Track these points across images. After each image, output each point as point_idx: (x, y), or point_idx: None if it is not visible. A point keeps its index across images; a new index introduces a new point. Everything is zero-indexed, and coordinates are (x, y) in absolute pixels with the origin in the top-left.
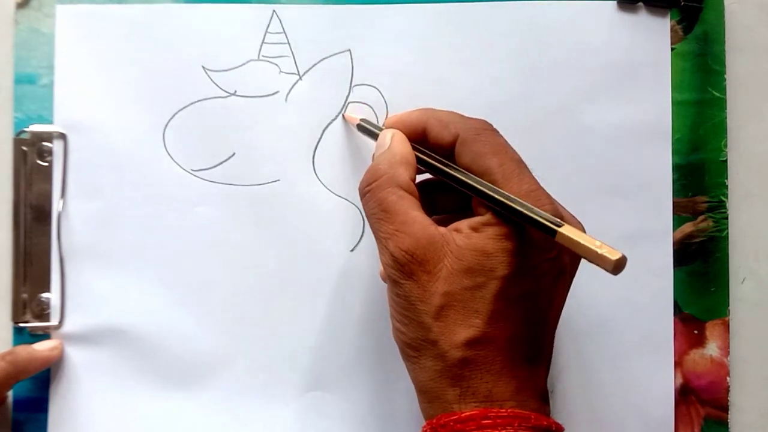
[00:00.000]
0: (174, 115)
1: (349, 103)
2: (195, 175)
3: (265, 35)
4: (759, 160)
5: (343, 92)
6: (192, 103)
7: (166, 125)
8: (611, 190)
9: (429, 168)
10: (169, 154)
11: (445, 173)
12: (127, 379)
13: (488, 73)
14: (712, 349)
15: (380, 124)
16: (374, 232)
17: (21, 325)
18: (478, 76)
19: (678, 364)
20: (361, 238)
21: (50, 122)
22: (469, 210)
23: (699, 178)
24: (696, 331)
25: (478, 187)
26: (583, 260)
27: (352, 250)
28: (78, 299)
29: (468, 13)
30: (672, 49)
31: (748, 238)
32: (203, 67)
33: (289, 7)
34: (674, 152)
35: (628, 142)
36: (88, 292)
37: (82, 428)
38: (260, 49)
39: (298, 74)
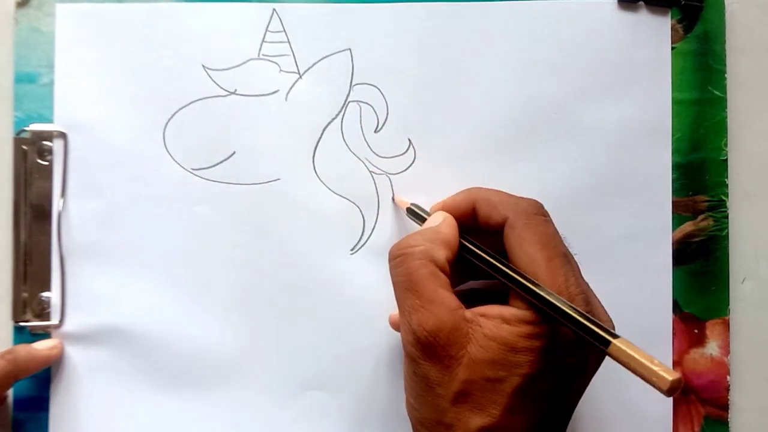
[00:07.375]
0: (174, 114)
1: (349, 102)
2: (195, 174)
3: (265, 34)
4: (759, 160)
5: (343, 91)
6: (192, 102)
7: (166, 124)
8: (611, 189)
9: (475, 258)
10: (169, 153)
11: (492, 266)
12: (127, 378)
13: (488, 71)
14: (712, 348)
15: (381, 125)
16: (398, 301)
17: (21, 324)
18: (478, 75)
19: (678, 363)
20: (361, 237)
21: (50, 121)
22: (491, 278)
23: (699, 177)
24: (696, 331)
25: (529, 285)
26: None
27: (352, 249)
28: (78, 298)
29: (468, 12)
30: (672, 48)
31: (749, 237)
32: (203, 65)
33: (289, 5)
34: (674, 151)
35: (628, 141)
36: (89, 291)
37: (82, 427)
38: (260, 48)
39: (298, 73)
